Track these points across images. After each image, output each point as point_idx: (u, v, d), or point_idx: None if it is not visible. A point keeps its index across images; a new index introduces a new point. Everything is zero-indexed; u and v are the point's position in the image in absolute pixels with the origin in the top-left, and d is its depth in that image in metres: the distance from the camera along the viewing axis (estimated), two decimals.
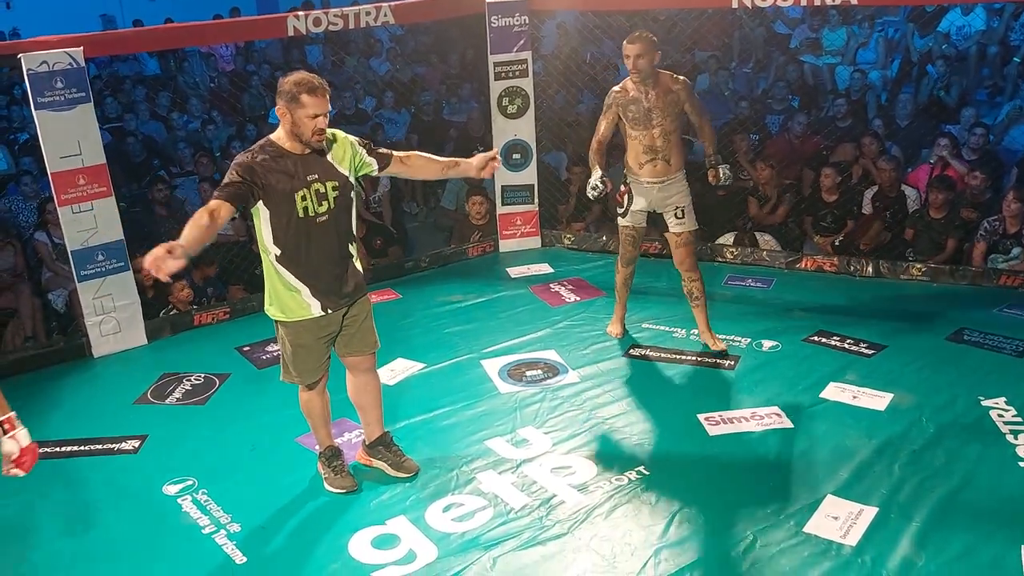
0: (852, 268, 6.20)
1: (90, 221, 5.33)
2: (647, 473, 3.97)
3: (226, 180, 3.51)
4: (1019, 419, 4.30)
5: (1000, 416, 4.34)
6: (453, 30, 9.69)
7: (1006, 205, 5.99)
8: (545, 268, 6.56)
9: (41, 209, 6.40)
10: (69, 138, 5.21)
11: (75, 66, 5.14)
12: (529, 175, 6.83)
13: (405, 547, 3.56)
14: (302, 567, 3.49)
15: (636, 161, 4.82)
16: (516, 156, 6.81)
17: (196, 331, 5.79)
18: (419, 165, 4.00)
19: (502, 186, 6.88)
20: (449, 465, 4.10)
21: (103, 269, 5.42)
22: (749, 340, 5.20)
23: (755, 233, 6.72)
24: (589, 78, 7.72)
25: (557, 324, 5.56)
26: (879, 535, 3.51)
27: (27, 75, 5.04)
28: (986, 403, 4.44)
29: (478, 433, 4.35)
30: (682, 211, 4.87)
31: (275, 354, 5.29)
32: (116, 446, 4.45)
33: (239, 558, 3.56)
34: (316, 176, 3.55)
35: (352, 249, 3.75)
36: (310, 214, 3.54)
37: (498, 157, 4.06)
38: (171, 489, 4.05)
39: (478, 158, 3.95)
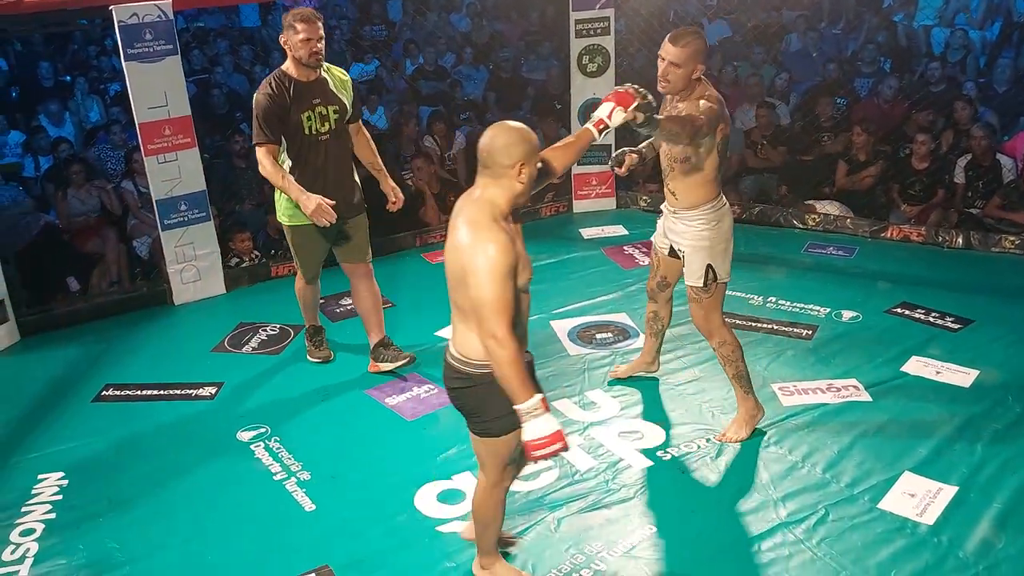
0: (940, 239, 5.97)
1: (174, 171, 5.45)
2: (716, 441, 3.91)
3: (256, 126, 4.19)
4: None
5: None
6: None
7: None
8: (619, 230, 6.48)
9: (128, 158, 6.56)
10: (156, 90, 5.32)
11: (164, 19, 5.23)
12: (606, 135, 6.72)
13: (470, 503, 3.57)
14: (369, 517, 3.54)
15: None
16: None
17: (273, 282, 5.90)
18: (359, 145, 4.54)
19: None
20: None
21: (186, 219, 5.55)
22: (829, 310, 5.06)
23: (817, 201, 6.51)
24: None
25: (629, 287, 5.49)
26: (957, 515, 3.41)
27: (117, 27, 5.15)
28: None
29: (546, 393, 4.26)
30: (684, 255, 3.81)
31: (349, 307, 5.39)
32: (193, 392, 4.57)
33: (308, 505, 3.64)
34: (319, 100, 4.22)
35: (354, 171, 4.45)
36: (313, 132, 4.21)
37: (398, 196, 4.66)
38: (245, 435, 4.15)
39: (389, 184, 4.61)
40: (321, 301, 5.40)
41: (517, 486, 3.66)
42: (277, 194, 4.34)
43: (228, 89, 8.30)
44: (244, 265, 5.97)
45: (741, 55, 8.20)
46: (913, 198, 6.40)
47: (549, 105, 7.72)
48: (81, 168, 6.43)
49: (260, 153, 4.18)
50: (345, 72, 4.44)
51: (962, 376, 4.36)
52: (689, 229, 3.74)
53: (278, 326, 5.23)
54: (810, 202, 6.51)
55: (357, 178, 4.47)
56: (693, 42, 3.54)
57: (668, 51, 3.53)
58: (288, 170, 4.21)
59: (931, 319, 4.94)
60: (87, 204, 6.37)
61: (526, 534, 3.40)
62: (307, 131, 4.19)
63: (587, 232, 6.48)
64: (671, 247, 3.90)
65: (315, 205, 4.06)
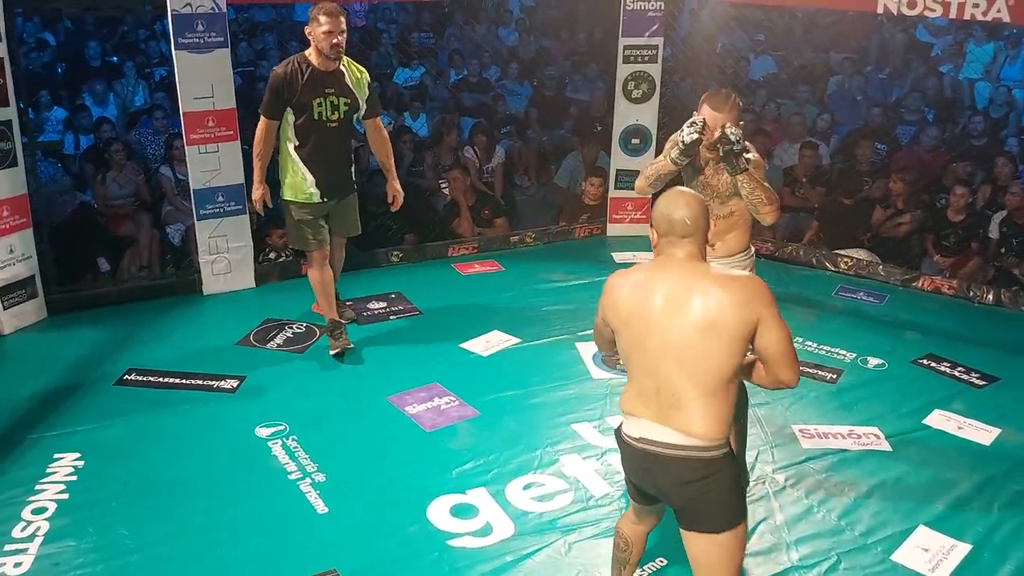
0: (971, 293, 5.92)
1: (214, 162, 5.50)
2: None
3: (265, 98, 4.58)
4: None
5: None
6: (581, 6, 9.60)
7: None
8: (651, 256, 6.46)
9: (168, 144, 6.62)
10: (204, 80, 5.38)
11: (217, 10, 5.29)
12: (646, 161, 6.74)
13: (483, 519, 3.58)
14: (380, 525, 3.55)
15: None
16: (635, 141, 6.72)
17: (302, 280, 5.87)
18: (375, 142, 4.93)
19: (617, 170, 6.80)
20: (534, 444, 4.10)
21: (222, 210, 5.60)
22: (855, 355, 5.03)
23: (844, 251, 6.48)
24: (718, 69, 7.54)
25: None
26: (969, 573, 3.37)
27: (171, 15, 5.21)
28: None
29: (566, 415, 4.34)
30: None
31: (377, 311, 5.43)
32: (215, 383, 4.60)
33: (321, 507, 3.65)
34: (333, 90, 4.57)
35: (352, 158, 4.87)
36: (323, 118, 4.56)
37: (397, 198, 5.06)
38: (263, 432, 4.17)
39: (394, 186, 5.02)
40: (349, 303, 5.47)
41: (531, 507, 3.67)
42: (284, 173, 4.71)
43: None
44: (275, 260, 6.01)
45: (786, 93, 8.19)
46: (947, 249, 6.36)
47: (590, 127, 7.74)
48: (122, 149, 6.49)
49: (260, 122, 4.63)
50: (364, 70, 4.76)
51: (984, 434, 4.32)
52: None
53: (304, 324, 5.26)
54: (838, 251, 6.47)
55: (353, 171, 4.91)
56: (736, 101, 3.54)
57: (719, 119, 3.46)
58: (294, 147, 4.62)
59: (957, 373, 4.90)
60: (125, 188, 6.44)
61: (537, 555, 3.39)
62: (316, 116, 4.54)
63: (619, 256, 6.49)
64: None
65: (257, 196, 4.72)
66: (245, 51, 8.83)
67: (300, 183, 4.65)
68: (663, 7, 6.44)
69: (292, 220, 4.78)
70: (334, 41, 4.46)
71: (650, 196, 3.88)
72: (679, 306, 2.44)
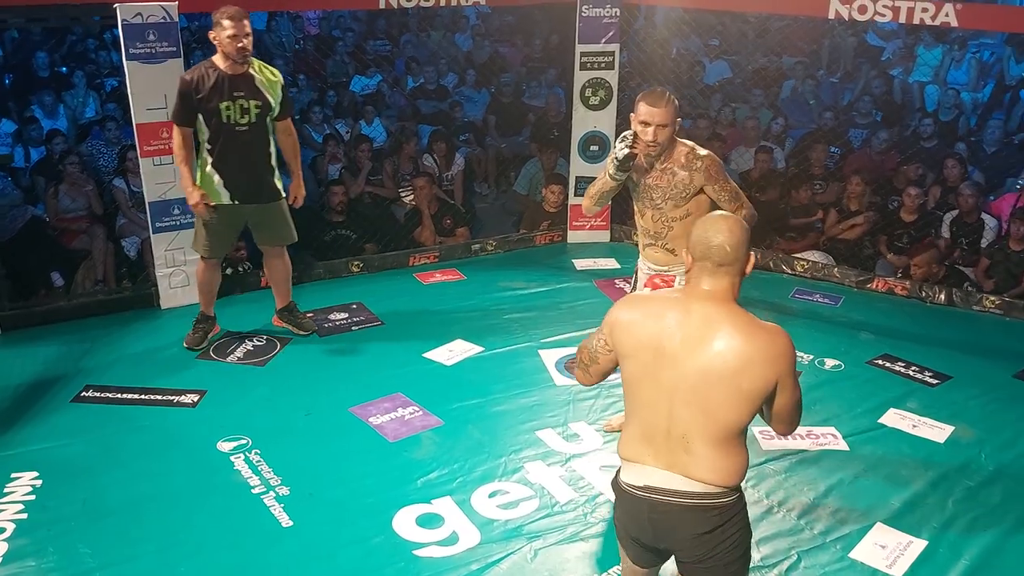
0: (924, 294, 6.06)
1: (169, 174, 5.44)
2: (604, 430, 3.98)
3: (175, 107, 4.64)
4: None
5: None
6: (537, 13, 9.65)
7: None
8: (611, 263, 6.53)
9: (122, 156, 6.54)
10: (156, 91, 5.31)
11: (168, 20, 5.24)
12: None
13: (448, 528, 3.59)
14: (345, 537, 3.54)
15: (640, 240, 3.92)
16: (593, 148, 6.77)
17: (262, 292, 5.87)
18: (283, 143, 4.88)
19: (576, 177, 6.85)
20: (498, 452, 4.12)
21: (178, 223, 5.53)
22: (812, 357, 5.11)
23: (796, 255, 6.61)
24: (674, 74, 7.63)
25: (578, 303, 5.55)
26: (925, 569, 3.45)
27: (121, 25, 5.15)
28: None
29: (530, 423, 4.37)
30: None
31: (338, 322, 5.42)
32: (175, 399, 4.55)
33: (285, 521, 3.63)
34: (243, 93, 4.58)
35: (272, 163, 4.78)
36: (231, 121, 4.58)
37: (298, 199, 4.99)
38: (225, 446, 4.14)
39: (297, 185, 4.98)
40: (309, 315, 5.44)
41: (497, 514, 3.69)
42: (197, 173, 4.72)
43: None
44: (234, 273, 5.96)
45: (740, 97, 8.31)
46: (900, 250, 6.49)
47: (548, 133, 7.79)
48: (76, 162, 6.41)
49: (174, 131, 4.66)
50: (277, 72, 4.76)
51: (938, 431, 4.42)
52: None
53: (265, 337, 5.22)
54: (796, 255, 6.58)
55: (276, 179, 4.83)
56: (671, 97, 3.54)
57: (655, 114, 3.48)
58: (207, 150, 4.66)
59: (911, 372, 5.01)
60: (77, 201, 6.35)
61: (503, 562, 3.41)
62: (225, 119, 4.56)
63: (580, 263, 6.53)
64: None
65: (194, 201, 4.67)
66: (199, 60, 8.73)
67: (208, 182, 4.69)
68: (619, 13, 6.50)
69: (199, 222, 4.84)
70: (239, 44, 4.49)
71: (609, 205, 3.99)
72: (700, 345, 2.26)
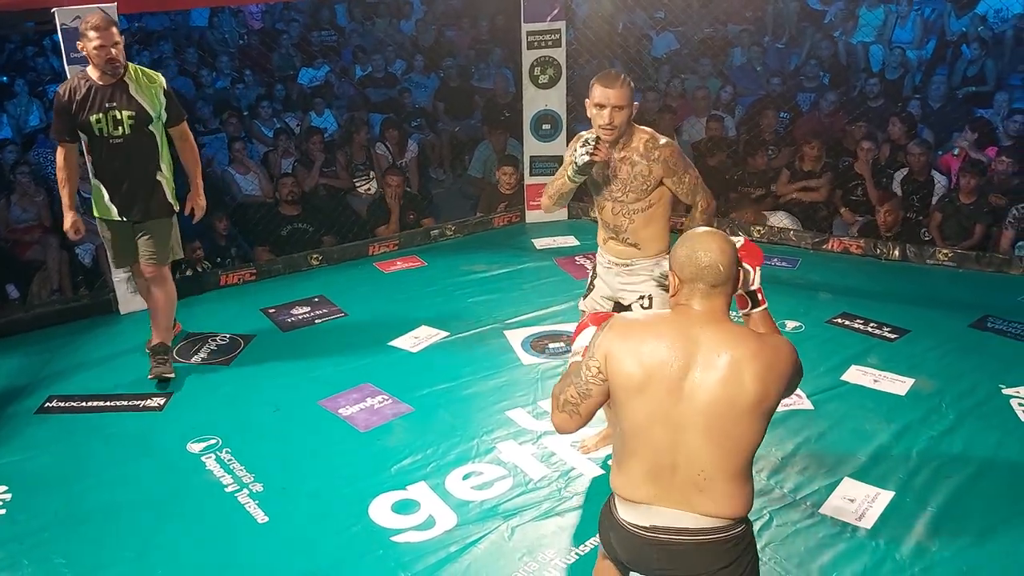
0: (878, 251, 6.17)
1: None
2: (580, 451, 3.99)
3: (53, 124, 4.54)
4: None
5: (1020, 404, 4.33)
6: None
7: None
8: (571, 240, 6.56)
9: None
10: None
11: None
12: (558, 146, 6.81)
13: (425, 513, 3.61)
14: (323, 529, 3.55)
15: (600, 233, 3.70)
16: (546, 127, 6.79)
17: (222, 291, 5.85)
18: (182, 151, 4.68)
19: (530, 157, 6.86)
20: (470, 434, 4.14)
21: None
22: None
23: (767, 212, 6.70)
24: (621, 49, 7.66)
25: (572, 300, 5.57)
26: (894, 519, 3.53)
27: (60, 29, 5.06)
28: (1007, 391, 4.44)
29: (499, 403, 4.39)
30: (650, 300, 3.56)
31: (301, 316, 5.39)
32: (141, 403, 4.51)
33: (261, 517, 3.63)
34: (114, 104, 4.36)
35: (159, 176, 4.54)
36: (105, 134, 4.38)
37: (197, 211, 4.79)
38: (195, 447, 4.11)
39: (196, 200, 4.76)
40: (271, 310, 5.42)
41: (472, 496, 3.71)
42: (93, 189, 4.60)
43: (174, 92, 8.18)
44: (192, 275, 5.91)
45: (688, 68, 8.36)
46: (855, 203, 6.59)
47: (499, 114, 7.78)
48: (28, 171, 6.31)
49: (57, 149, 4.51)
50: (157, 76, 4.51)
51: (899, 384, 4.52)
52: (651, 276, 3.56)
53: (228, 336, 5.19)
54: (765, 212, 6.67)
55: (167, 191, 4.59)
56: (627, 79, 3.36)
57: (611, 96, 3.29)
58: (91, 163, 4.51)
59: (870, 329, 5.11)
60: (28, 211, 6.24)
61: (480, 543, 3.44)
62: (97, 132, 4.38)
63: (539, 243, 6.56)
64: (616, 304, 3.67)
65: (68, 224, 4.51)
66: (141, 61, 8.61)
67: (99, 198, 4.55)
68: None
69: (103, 238, 4.76)
70: (108, 56, 4.28)
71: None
72: (712, 374, 2.12)
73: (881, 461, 3.90)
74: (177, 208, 4.68)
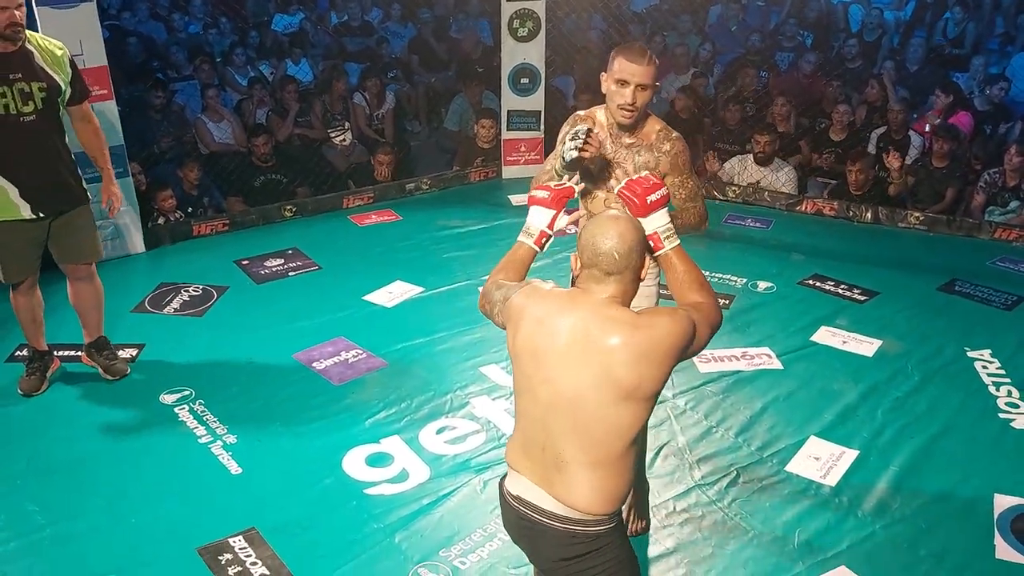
0: (851, 213, 6.22)
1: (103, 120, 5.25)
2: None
3: None
4: (1002, 371, 4.39)
5: (984, 367, 4.43)
6: None
7: (1007, 158, 5.99)
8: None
9: None
10: (71, 37, 5.08)
11: None
12: (536, 101, 6.78)
13: (398, 466, 3.65)
14: (296, 481, 3.58)
15: (586, 219, 3.11)
16: (524, 80, 6.74)
17: (195, 241, 5.80)
18: (84, 133, 4.09)
19: (508, 111, 6.82)
20: (444, 389, 4.17)
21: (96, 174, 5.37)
22: (745, 280, 5.24)
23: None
24: (602, 3, 7.58)
25: (557, 255, 5.54)
26: (857, 477, 3.62)
27: None
28: (971, 354, 4.53)
29: (473, 359, 4.42)
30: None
31: (275, 269, 5.37)
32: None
33: (234, 468, 3.65)
34: (20, 75, 3.70)
35: (72, 158, 3.96)
36: (12, 112, 3.70)
37: (114, 203, 4.20)
38: (168, 398, 4.11)
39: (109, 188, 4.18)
40: (245, 262, 5.39)
41: (445, 450, 3.75)
42: None
43: (144, 37, 8.02)
44: (165, 223, 5.85)
45: (668, 24, 8.30)
46: (828, 173, 6.63)
47: (472, 68, 7.70)
48: None
49: None
50: (63, 47, 3.91)
51: (867, 346, 4.60)
52: (645, 289, 3.00)
53: (200, 287, 5.16)
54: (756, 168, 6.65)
55: (75, 166, 4.02)
56: (653, 55, 2.90)
57: (637, 73, 2.83)
58: None
59: (840, 291, 5.17)
60: None
61: (453, 496, 3.48)
62: (2, 110, 3.68)
63: (515, 199, 6.54)
64: None
65: None
66: (111, 2, 8.41)
67: (2, 197, 3.78)
68: None
69: None
70: (11, 19, 3.64)
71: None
72: (579, 353, 2.03)
73: (847, 420, 3.98)
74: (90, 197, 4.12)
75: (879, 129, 6.58)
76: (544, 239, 2.48)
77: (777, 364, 4.41)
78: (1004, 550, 3.25)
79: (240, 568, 3.11)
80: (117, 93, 5.66)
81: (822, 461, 3.71)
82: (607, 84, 2.93)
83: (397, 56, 8.25)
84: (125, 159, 5.46)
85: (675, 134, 2.99)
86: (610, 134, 2.98)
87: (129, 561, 3.16)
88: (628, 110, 2.88)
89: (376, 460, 3.69)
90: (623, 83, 2.86)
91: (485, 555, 3.19)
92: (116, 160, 5.35)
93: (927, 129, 6.55)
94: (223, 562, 3.14)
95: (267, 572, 3.10)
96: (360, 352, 4.46)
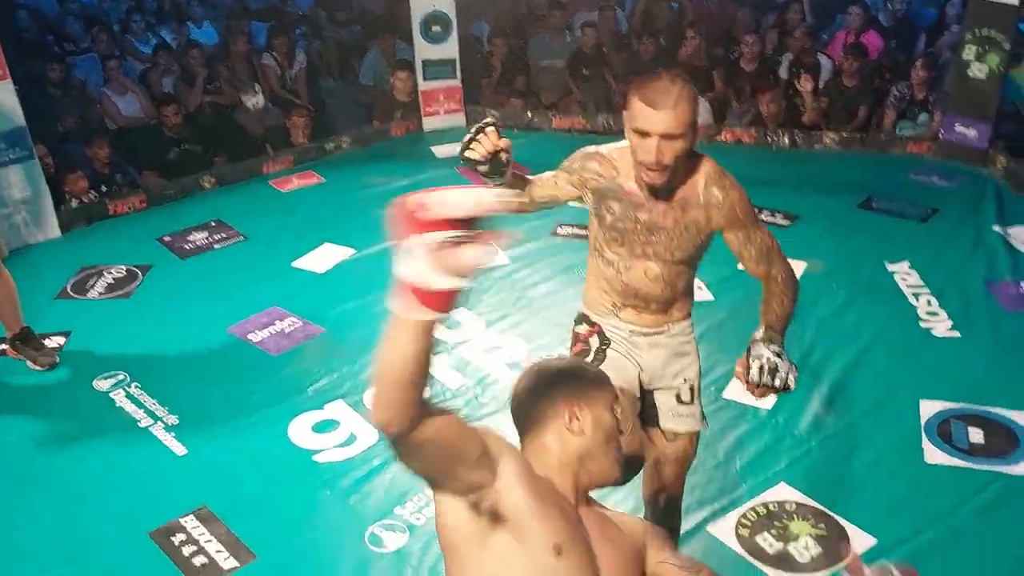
0: (769, 139, 6.33)
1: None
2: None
3: None
4: (920, 282, 4.58)
5: (904, 279, 4.61)
6: None
7: (914, 72, 6.15)
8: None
9: None
10: None
11: None
12: (450, 48, 6.69)
13: (345, 431, 3.66)
14: (243, 455, 3.56)
15: (603, 295, 2.51)
16: (436, 28, 6.63)
17: (113, 221, 5.64)
18: None
19: (423, 60, 6.72)
20: None
21: (7, 159, 5.18)
22: None
23: None
24: None
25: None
26: (791, 398, 3.71)
27: None
28: (891, 267, 4.70)
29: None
30: (691, 389, 2.56)
31: (199, 243, 5.27)
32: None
33: (179, 449, 3.61)
34: None
35: None
36: None
37: None
38: (102, 384, 4.04)
39: None
40: (167, 238, 5.27)
41: None
42: None
43: (34, 9, 7.66)
44: (79, 205, 5.66)
45: None
46: (744, 98, 6.71)
47: (386, 20, 7.55)
48: None
49: None
50: None
51: (793, 269, 4.71)
52: (691, 347, 2.56)
53: (124, 268, 5.04)
54: None
55: None
56: (685, 87, 2.15)
57: (660, 121, 2.11)
58: None
59: (763, 217, 5.27)
60: None
61: None
62: None
63: (439, 151, 6.49)
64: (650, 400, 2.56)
65: None
66: None
67: None
68: None
69: None
70: None
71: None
72: None
73: None
74: None
75: (788, 55, 6.67)
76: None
77: (708, 295, 4.51)
78: (932, 453, 3.43)
79: (195, 547, 3.11)
80: (12, 72, 5.42)
81: None
82: (627, 131, 2.21)
83: (304, 13, 8.04)
84: (29, 141, 5.25)
85: (729, 179, 2.34)
86: (639, 183, 2.29)
87: (80, 552, 3.12)
88: (653, 171, 2.18)
89: (322, 427, 3.70)
90: (644, 134, 2.14)
91: None
92: (19, 143, 5.18)
93: (841, 47, 6.67)
94: (177, 543, 3.14)
95: (222, 548, 3.10)
96: (296, 320, 4.42)
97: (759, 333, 2.35)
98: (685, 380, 2.51)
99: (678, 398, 2.50)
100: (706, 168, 2.31)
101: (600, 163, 2.35)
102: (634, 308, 2.46)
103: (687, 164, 2.25)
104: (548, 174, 2.49)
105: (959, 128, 6.01)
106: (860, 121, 6.33)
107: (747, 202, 2.35)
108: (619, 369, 2.44)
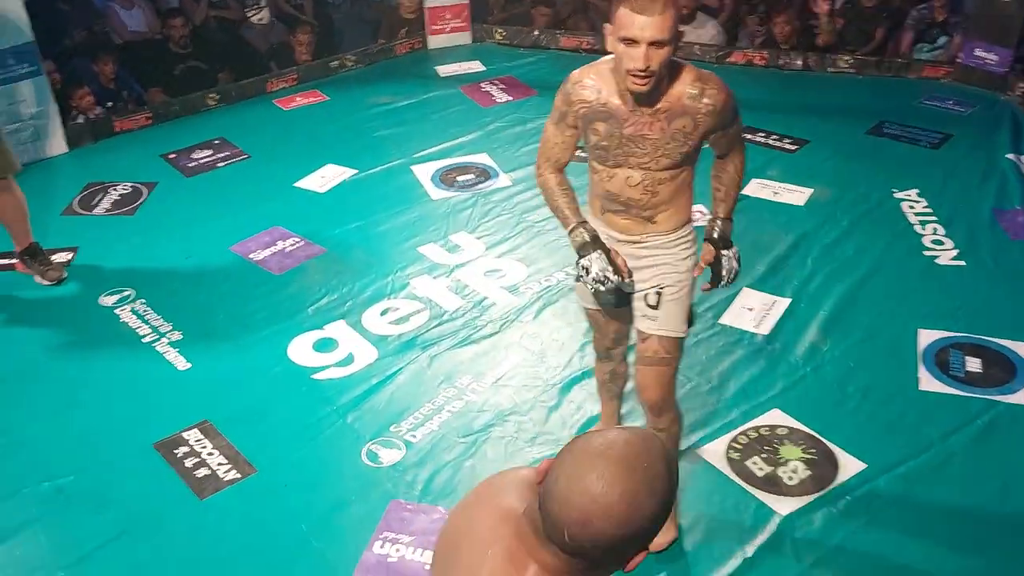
0: (781, 61, 6.21)
1: None
2: (574, 273, 4.11)
3: None
4: (928, 210, 4.53)
5: (911, 207, 4.56)
6: None
7: None
8: (476, 66, 6.43)
9: None
10: None
11: None
12: None
13: (345, 350, 3.71)
14: (244, 371, 3.62)
15: (595, 199, 2.60)
16: None
17: (118, 138, 5.63)
18: None
19: None
20: (384, 271, 4.20)
21: (17, 74, 5.15)
22: None
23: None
24: None
25: (488, 126, 5.54)
26: (789, 324, 3.77)
27: None
28: (898, 195, 4.65)
29: (411, 240, 4.43)
30: (657, 294, 2.57)
31: (202, 161, 5.27)
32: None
33: (182, 364, 3.67)
34: None
35: None
36: None
37: None
38: (107, 300, 4.08)
39: None
40: (172, 155, 5.27)
41: (390, 330, 3.81)
42: None
43: None
44: (85, 122, 5.64)
45: None
46: (757, 19, 6.56)
47: None
48: None
49: None
50: None
51: (798, 195, 4.69)
52: (671, 258, 2.55)
53: (130, 184, 5.05)
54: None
55: None
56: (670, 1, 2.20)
57: (648, 25, 2.15)
58: None
59: (771, 142, 5.22)
60: None
61: (400, 374, 3.57)
62: None
63: (444, 70, 6.41)
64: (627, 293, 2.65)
65: None
66: None
67: None
68: None
69: None
70: None
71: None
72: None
73: (779, 271, 4.11)
74: None
75: None
76: None
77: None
78: (927, 381, 3.44)
79: (197, 459, 3.19)
80: None
81: (755, 311, 3.84)
82: (611, 42, 2.24)
83: None
84: (38, 56, 5.22)
85: (714, 80, 2.34)
86: (627, 102, 2.32)
87: (89, 461, 3.20)
88: (640, 78, 2.21)
89: (322, 345, 3.74)
90: (631, 42, 2.18)
91: (435, 427, 3.30)
92: (28, 58, 5.15)
93: None
94: (179, 455, 3.21)
95: (224, 460, 3.18)
96: (298, 240, 4.44)
97: (720, 228, 2.59)
98: (654, 287, 2.58)
99: (645, 300, 2.60)
100: (689, 75, 2.33)
101: (585, 89, 2.39)
102: (614, 213, 2.54)
103: (670, 72, 2.29)
104: (554, 132, 2.53)
105: (979, 52, 5.87)
106: (877, 43, 6.19)
107: (732, 99, 2.39)
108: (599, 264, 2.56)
